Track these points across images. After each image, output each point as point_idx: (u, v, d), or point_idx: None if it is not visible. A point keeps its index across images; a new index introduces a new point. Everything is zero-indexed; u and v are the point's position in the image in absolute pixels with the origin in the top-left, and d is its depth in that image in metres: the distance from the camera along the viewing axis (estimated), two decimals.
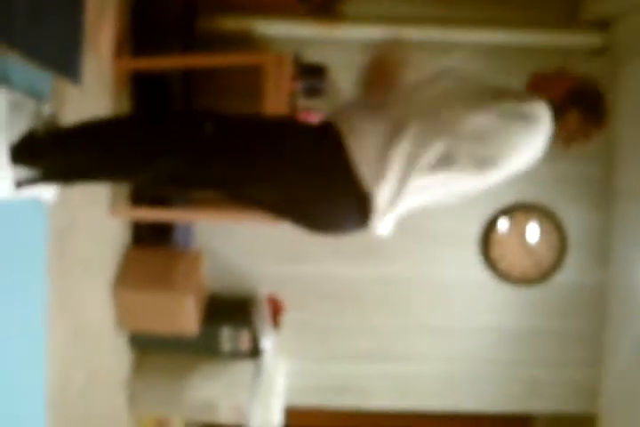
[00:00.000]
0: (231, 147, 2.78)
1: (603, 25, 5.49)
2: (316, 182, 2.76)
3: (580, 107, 2.87)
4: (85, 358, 4.35)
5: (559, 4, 5.59)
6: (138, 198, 4.97)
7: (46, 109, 3.31)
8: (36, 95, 3.32)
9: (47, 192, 3.41)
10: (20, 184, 3.04)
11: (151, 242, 5.26)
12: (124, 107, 4.95)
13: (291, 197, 2.84)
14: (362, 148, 2.72)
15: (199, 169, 2.82)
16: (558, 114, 2.84)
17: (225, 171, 2.81)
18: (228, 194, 3.01)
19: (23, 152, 2.97)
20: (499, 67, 5.45)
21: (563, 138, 2.92)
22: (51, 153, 3.02)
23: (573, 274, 5.74)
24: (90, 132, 3.02)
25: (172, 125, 2.91)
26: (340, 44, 5.48)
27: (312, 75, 5.05)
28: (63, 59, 3.65)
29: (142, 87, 5.02)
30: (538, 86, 2.94)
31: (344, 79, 5.32)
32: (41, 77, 3.42)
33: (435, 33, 5.41)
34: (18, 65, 3.16)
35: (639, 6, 4.96)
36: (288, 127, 2.94)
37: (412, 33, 5.33)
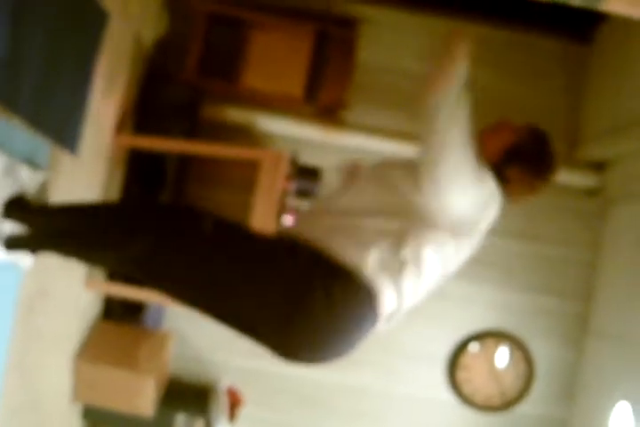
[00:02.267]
0: (225, 249, 2.71)
1: (598, 166, 5.60)
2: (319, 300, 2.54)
3: (519, 163, 2.81)
4: (35, 426, 4.32)
5: (557, 141, 5.69)
6: (114, 273, 4.98)
7: (38, 178, 3.36)
8: (32, 162, 3.38)
9: (25, 257, 3.43)
10: (7, 243, 3.08)
11: (121, 318, 5.25)
12: (117, 182, 5.02)
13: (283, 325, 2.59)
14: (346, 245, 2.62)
15: (177, 262, 2.73)
16: (499, 173, 2.80)
17: (212, 272, 2.68)
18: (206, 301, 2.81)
19: (12, 209, 3.03)
20: None
21: (509, 194, 2.86)
22: (37, 221, 3.06)
23: (537, 406, 5.70)
24: (79, 211, 3.04)
25: (170, 215, 2.91)
26: (338, 150, 5.56)
27: (306, 176, 5.12)
28: (64, 129, 3.73)
29: (138, 166, 5.09)
30: (483, 142, 2.87)
31: (337, 184, 5.42)
32: (39, 145, 3.47)
33: None
34: (18, 131, 3.22)
35: (635, 152, 5.04)
36: (277, 246, 2.77)
37: (409, 150, 5.43)
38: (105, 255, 2.95)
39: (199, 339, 5.62)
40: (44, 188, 3.45)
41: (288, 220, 5.01)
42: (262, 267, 2.63)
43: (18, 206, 3.11)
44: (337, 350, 2.65)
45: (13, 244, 3.12)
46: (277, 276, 2.59)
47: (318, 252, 2.60)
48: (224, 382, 5.54)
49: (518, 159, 2.82)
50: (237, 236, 2.79)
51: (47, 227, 3.06)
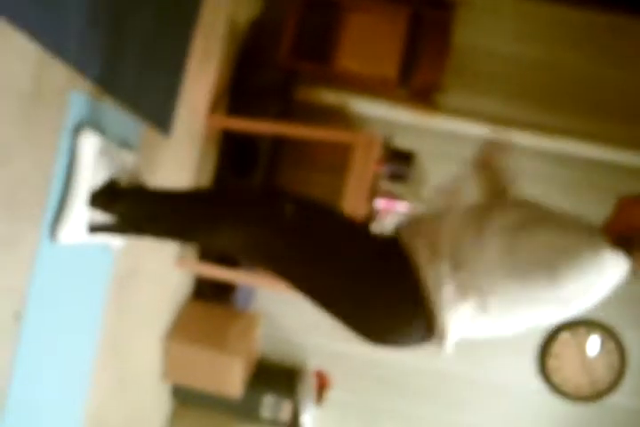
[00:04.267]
0: (305, 234, 2.78)
1: None
2: (381, 295, 2.69)
3: None
4: (125, 403, 4.37)
5: None
6: (205, 253, 5.02)
7: (132, 159, 3.38)
8: (125, 143, 3.40)
9: (116, 240, 3.48)
10: (93, 229, 3.11)
11: (211, 298, 5.29)
12: (209, 164, 5.05)
13: (347, 301, 2.76)
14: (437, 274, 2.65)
15: (265, 245, 2.81)
16: (638, 242, 2.67)
17: (291, 256, 2.78)
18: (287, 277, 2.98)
19: (102, 198, 3.05)
20: (586, 181, 5.42)
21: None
22: (128, 205, 3.09)
23: (628, 397, 5.60)
24: (171, 195, 3.09)
25: (256, 198, 2.96)
26: (431, 134, 5.51)
27: (399, 160, 5.07)
28: (157, 109, 3.75)
29: (230, 148, 5.11)
30: (624, 210, 2.77)
31: (431, 168, 5.36)
32: (132, 126, 3.50)
33: (527, 138, 5.42)
34: (112, 111, 3.25)
35: None
36: (364, 234, 2.90)
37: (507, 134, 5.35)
38: (194, 240, 3.09)
39: (288, 321, 5.63)
40: (137, 169, 3.46)
41: (381, 202, 4.98)
42: (346, 251, 2.74)
43: (108, 193, 3.13)
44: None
45: (101, 229, 3.15)
46: (363, 264, 2.70)
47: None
48: (312, 365, 5.55)
49: None
50: (323, 220, 2.86)
51: (136, 211, 3.09)
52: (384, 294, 2.68)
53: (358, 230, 2.94)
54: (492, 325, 2.76)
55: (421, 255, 2.67)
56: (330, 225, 2.86)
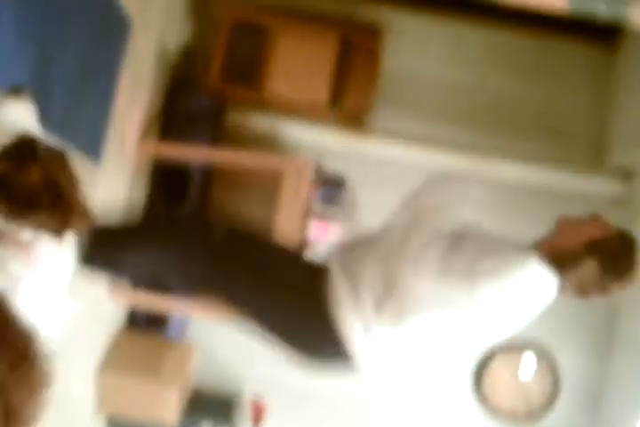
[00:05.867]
0: (234, 259, 2.85)
1: (626, 175, 5.49)
2: (295, 316, 2.80)
3: (599, 258, 2.71)
4: None
5: (586, 147, 5.66)
6: (139, 284, 4.96)
7: None
8: None
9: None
10: None
11: (145, 328, 5.23)
12: (142, 190, 5.00)
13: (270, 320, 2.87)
14: (345, 299, 2.74)
15: (191, 266, 2.87)
16: (572, 263, 2.73)
17: (214, 276, 2.85)
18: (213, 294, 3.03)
19: None
20: (515, 201, 5.49)
21: (576, 289, 2.77)
22: None
23: (562, 417, 5.64)
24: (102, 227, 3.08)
25: (187, 224, 3.04)
26: (363, 157, 5.53)
27: (331, 184, 5.09)
28: (87, 137, 3.71)
29: (162, 174, 5.08)
30: (561, 231, 2.84)
31: (363, 192, 5.37)
32: None
33: (455, 160, 5.46)
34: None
35: None
36: (291, 260, 2.98)
37: (435, 157, 5.40)
38: (124, 263, 3.08)
39: (223, 350, 5.58)
40: None
41: (314, 227, 4.98)
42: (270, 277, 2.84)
43: None
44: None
45: None
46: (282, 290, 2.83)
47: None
48: (248, 393, 5.51)
49: (599, 253, 2.73)
50: (250, 245, 2.94)
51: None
52: (304, 316, 2.79)
53: (287, 256, 3.04)
54: (413, 343, 2.80)
55: (342, 286, 2.75)
56: (259, 250, 2.93)
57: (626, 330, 5.44)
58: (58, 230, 2.07)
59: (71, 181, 2.13)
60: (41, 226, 2.04)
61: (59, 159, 2.14)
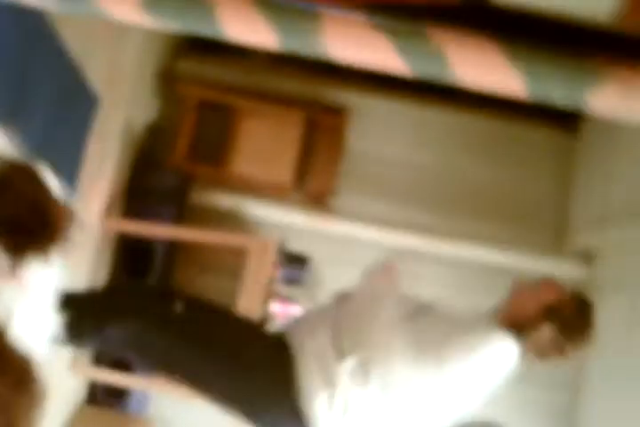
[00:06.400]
0: (193, 330, 2.83)
1: (587, 257, 5.55)
2: (256, 390, 2.77)
3: (555, 322, 2.77)
4: None
5: (548, 229, 5.72)
6: (99, 358, 4.91)
7: None
8: None
9: None
10: None
11: (104, 403, 5.15)
12: (105, 266, 4.98)
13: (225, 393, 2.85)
14: (309, 371, 2.73)
15: (148, 336, 2.85)
16: (530, 329, 2.78)
17: (173, 350, 2.83)
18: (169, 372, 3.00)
19: None
20: (477, 281, 5.50)
21: (535, 353, 2.82)
22: None
23: None
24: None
25: (147, 296, 3.02)
26: (325, 238, 5.55)
27: (294, 264, 5.10)
28: None
29: (125, 250, 5.07)
30: (515, 297, 2.90)
31: (325, 272, 5.38)
32: None
33: (419, 241, 5.49)
34: None
35: (624, 241, 5.02)
36: (250, 333, 2.98)
37: (398, 238, 5.43)
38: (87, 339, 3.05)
39: (184, 424, 5.49)
40: None
41: (274, 306, 4.98)
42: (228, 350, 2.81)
43: None
44: None
45: None
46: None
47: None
48: None
49: (556, 318, 2.79)
50: (210, 315, 2.96)
51: None
52: (263, 389, 2.77)
53: (246, 328, 3.04)
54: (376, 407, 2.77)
55: (305, 355, 2.75)
56: (218, 322, 2.93)
57: (586, 411, 5.42)
58: (45, 250, 2.07)
59: (45, 192, 2.12)
60: (30, 250, 2.05)
61: (27, 173, 2.12)
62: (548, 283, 2.95)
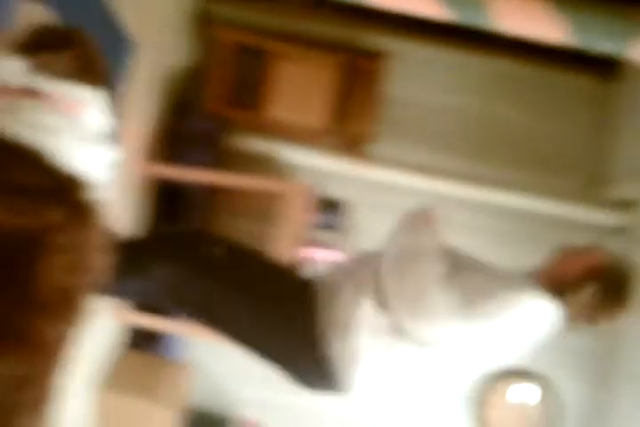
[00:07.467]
0: (234, 274, 2.85)
1: (624, 205, 5.53)
2: (279, 332, 2.80)
3: (596, 286, 2.78)
4: None
5: (586, 179, 5.68)
6: (140, 304, 4.97)
7: None
8: None
9: None
10: None
11: (144, 348, 5.22)
12: (145, 211, 5.00)
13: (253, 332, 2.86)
14: (332, 319, 2.75)
15: (195, 283, 2.86)
16: (571, 289, 2.79)
17: (212, 292, 2.85)
18: (201, 315, 3.00)
19: None
20: (517, 231, 5.48)
21: (578, 315, 2.82)
22: None
23: None
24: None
25: (187, 240, 3.00)
26: (362, 183, 5.54)
27: (330, 209, 5.10)
28: None
29: (164, 195, 5.08)
30: (564, 260, 2.90)
31: (361, 217, 5.38)
32: None
33: (455, 188, 5.49)
34: None
35: None
36: (292, 279, 2.97)
37: (436, 185, 5.41)
38: (129, 284, 3.03)
39: (220, 370, 5.56)
40: None
41: (311, 252, 4.99)
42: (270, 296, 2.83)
43: None
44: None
45: None
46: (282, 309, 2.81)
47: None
48: (244, 414, 5.49)
49: (598, 280, 2.79)
50: (251, 262, 2.96)
51: None
52: (294, 333, 2.79)
53: (285, 273, 3.02)
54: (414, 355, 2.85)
55: (343, 297, 2.76)
56: (257, 267, 2.94)
57: (628, 360, 5.41)
58: (85, 70, 2.16)
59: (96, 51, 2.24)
60: (67, 68, 2.12)
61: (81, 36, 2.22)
62: (592, 249, 2.93)
